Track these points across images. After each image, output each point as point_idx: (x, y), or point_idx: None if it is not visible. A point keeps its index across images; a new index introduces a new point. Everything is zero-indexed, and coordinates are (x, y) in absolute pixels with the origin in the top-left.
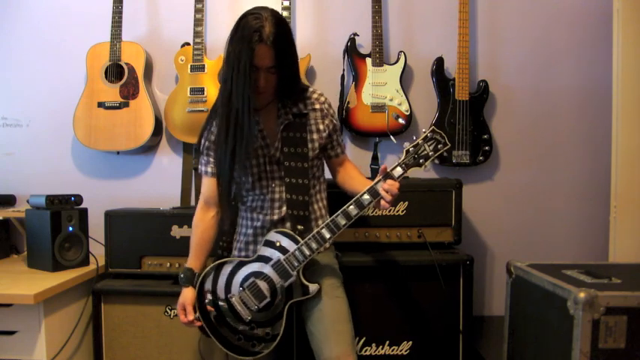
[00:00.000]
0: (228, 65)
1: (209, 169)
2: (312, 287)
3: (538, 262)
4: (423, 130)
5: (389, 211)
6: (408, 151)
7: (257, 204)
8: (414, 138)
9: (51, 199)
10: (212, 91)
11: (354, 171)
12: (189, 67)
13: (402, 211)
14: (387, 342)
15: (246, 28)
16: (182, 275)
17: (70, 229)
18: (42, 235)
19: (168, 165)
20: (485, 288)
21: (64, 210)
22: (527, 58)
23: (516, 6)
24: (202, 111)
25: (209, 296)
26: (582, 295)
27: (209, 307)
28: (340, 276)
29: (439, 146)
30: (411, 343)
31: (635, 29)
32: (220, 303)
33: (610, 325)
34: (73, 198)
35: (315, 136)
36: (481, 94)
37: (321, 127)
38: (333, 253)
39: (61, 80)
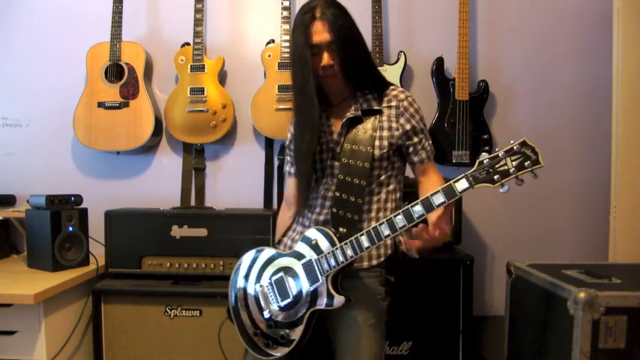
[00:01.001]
0: (290, 56)
1: (286, 168)
2: (338, 300)
3: (538, 262)
4: (512, 140)
5: None
6: (481, 163)
7: (312, 202)
8: (496, 149)
9: (51, 199)
10: (212, 91)
11: (432, 184)
12: (189, 67)
13: None
14: (387, 342)
15: (300, 14)
16: None
17: (70, 229)
18: (42, 235)
19: (168, 165)
20: (485, 288)
21: (64, 210)
22: (528, 58)
23: (516, 6)
24: (202, 111)
25: (241, 280)
26: (582, 295)
27: (238, 291)
28: (381, 310)
29: (526, 164)
30: (411, 343)
31: (635, 29)
32: (249, 289)
33: (610, 325)
34: (73, 198)
35: (385, 133)
36: (481, 94)
37: (394, 125)
38: (382, 278)
39: (61, 80)
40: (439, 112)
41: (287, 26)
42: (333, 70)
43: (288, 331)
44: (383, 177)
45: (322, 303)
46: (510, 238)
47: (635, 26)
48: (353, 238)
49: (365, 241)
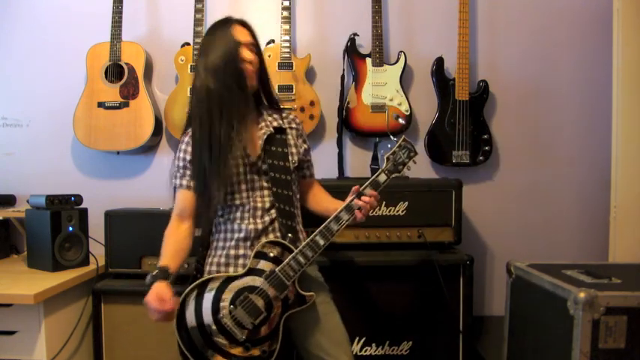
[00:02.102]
0: (210, 57)
1: (184, 182)
2: (309, 296)
3: (538, 262)
4: (395, 139)
5: (389, 211)
6: (388, 159)
7: (237, 215)
8: (389, 146)
9: (51, 199)
10: None
11: (326, 194)
12: (189, 67)
13: (402, 211)
14: (387, 342)
15: (216, 26)
16: (155, 272)
17: (70, 229)
18: (42, 235)
19: (168, 165)
20: (485, 288)
21: (64, 210)
22: (528, 58)
23: (516, 6)
24: None
25: (193, 320)
26: (582, 295)
27: (194, 333)
28: (328, 288)
29: (411, 154)
30: (411, 343)
31: (635, 29)
32: (207, 326)
33: (610, 325)
34: (73, 198)
35: (293, 150)
36: (481, 94)
37: (298, 143)
38: (317, 266)
39: (61, 80)
40: (439, 112)
41: (287, 26)
42: (254, 67)
43: (267, 343)
44: (295, 187)
45: (295, 305)
46: (510, 238)
47: (635, 26)
48: (309, 239)
49: (320, 240)
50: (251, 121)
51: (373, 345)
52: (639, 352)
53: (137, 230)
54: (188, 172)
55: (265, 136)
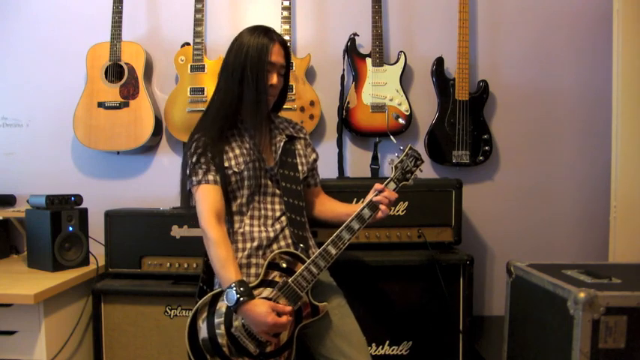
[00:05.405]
0: (240, 62)
1: (210, 177)
2: (322, 307)
3: (538, 262)
4: (401, 147)
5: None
6: (396, 167)
7: (246, 222)
8: (397, 155)
9: (51, 199)
10: (212, 90)
11: (333, 199)
12: (189, 67)
13: (402, 211)
14: (387, 342)
15: (256, 32)
16: (241, 289)
17: (70, 229)
18: (42, 235)
19: (168, 165)
20: (485, 288)
21: (64, 210)
22: (528, 58)
23: (516, 6)
24: (202, 111)
25: (205, 333)
26: (582, 295)
27: (206, 346)
28: (342, 292)
29: (417, 162)
30: (411, 343)
31: (635, 29)
32: (220, 341)
33: (610, 325)
34: (73, 198)
35: (303, 160)
36: (481, 94)
37: (307, 153)
38: (328, 271)
39: (61, 80)
40: (439, 112)
41: (287, 26)
42: (275, 92)
43: (281, 356)
44: (302, 197)
45: (308, 316)
46: (510, 238)
47: (635, 26)
48: (322, 249)
49: (332, 249)
50: (265, 126)
51: (373, 345)
52: (639, 352)
53: (137, 230)
54: (212, 167)
55: (283, 143)
